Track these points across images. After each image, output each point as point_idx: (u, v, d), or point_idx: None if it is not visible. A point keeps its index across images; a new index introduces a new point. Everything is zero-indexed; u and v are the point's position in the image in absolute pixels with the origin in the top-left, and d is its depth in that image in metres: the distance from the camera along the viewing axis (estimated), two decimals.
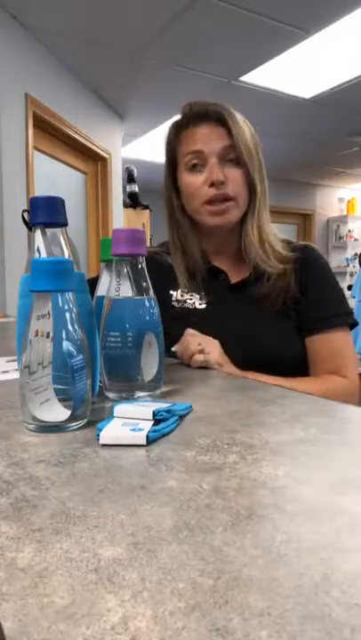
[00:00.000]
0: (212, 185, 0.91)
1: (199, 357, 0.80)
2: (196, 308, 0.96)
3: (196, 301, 0.97)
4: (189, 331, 0.85)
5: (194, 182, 0.93)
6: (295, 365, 0.91)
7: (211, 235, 0.98)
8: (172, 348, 0.84)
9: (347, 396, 0.88)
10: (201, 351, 0.80)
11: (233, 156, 0.91)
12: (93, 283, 0.69)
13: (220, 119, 0.92)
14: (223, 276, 0.98)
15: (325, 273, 0.97)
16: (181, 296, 0.98)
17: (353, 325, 0.95)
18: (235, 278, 0.97)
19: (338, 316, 0.94)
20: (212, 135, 0.92)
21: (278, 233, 1.00)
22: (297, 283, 0.93)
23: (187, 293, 0.98)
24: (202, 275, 0.97)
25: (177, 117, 0.98)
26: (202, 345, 0.80)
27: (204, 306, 0.96)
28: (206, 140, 0.92)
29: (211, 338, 0.84)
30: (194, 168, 0.93)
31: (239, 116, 0.93)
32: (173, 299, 0.98)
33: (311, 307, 0.93)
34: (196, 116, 0.94)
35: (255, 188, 0.94)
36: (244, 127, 0.93)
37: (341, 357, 0.92)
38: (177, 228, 1.00)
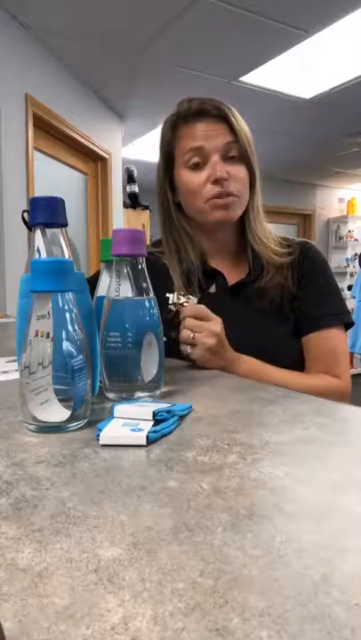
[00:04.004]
0: (215, 182, 0.89)
1: (184, 350, 0.78)
2: None
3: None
4: (197, 308, 0.80)
5: (195, 180, 0.90)
6: (292, 368, 0.90)
7: (210, 234, 0.96)
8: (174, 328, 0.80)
9: (339, 396, 0.87)
10: (191, 344, 0.77)
11: (234, 152, 0.90)
12: (93, 282, 0.69)
13: (220, 115, 0.89)
14: (221, 277, 0.95)
15: (323, 270, 0.96)
16: (178, 299, 0.97)
17: (349, 324, 0.94)
18: (232, 279, 0.95)
19: (333, 315, 0.92)
20: (213, 131, 0.89)
21: (277, 233, 1.00)
22: (294, 279, 0.92)
23: (183, 296, 0.96)
24: (198, 276, 0.95)
25: (173, 112, 0.95)
26: (195, 336, 0.77)
27: None
28: (207, 135, 0.89)
29: (212, 324, 0.78)
30: (195, 166, 0.90)
31: (236, 112, 0.92)
32: (170, 302, 0.96)
33: (307, 304, 0.92)
34: (194, 112, 0.91)
35: (255, 183, 0.94)
36: (244, 123, 0.92)
37: (335, 357, 0.91)
38: (171, 227, 0.97)
